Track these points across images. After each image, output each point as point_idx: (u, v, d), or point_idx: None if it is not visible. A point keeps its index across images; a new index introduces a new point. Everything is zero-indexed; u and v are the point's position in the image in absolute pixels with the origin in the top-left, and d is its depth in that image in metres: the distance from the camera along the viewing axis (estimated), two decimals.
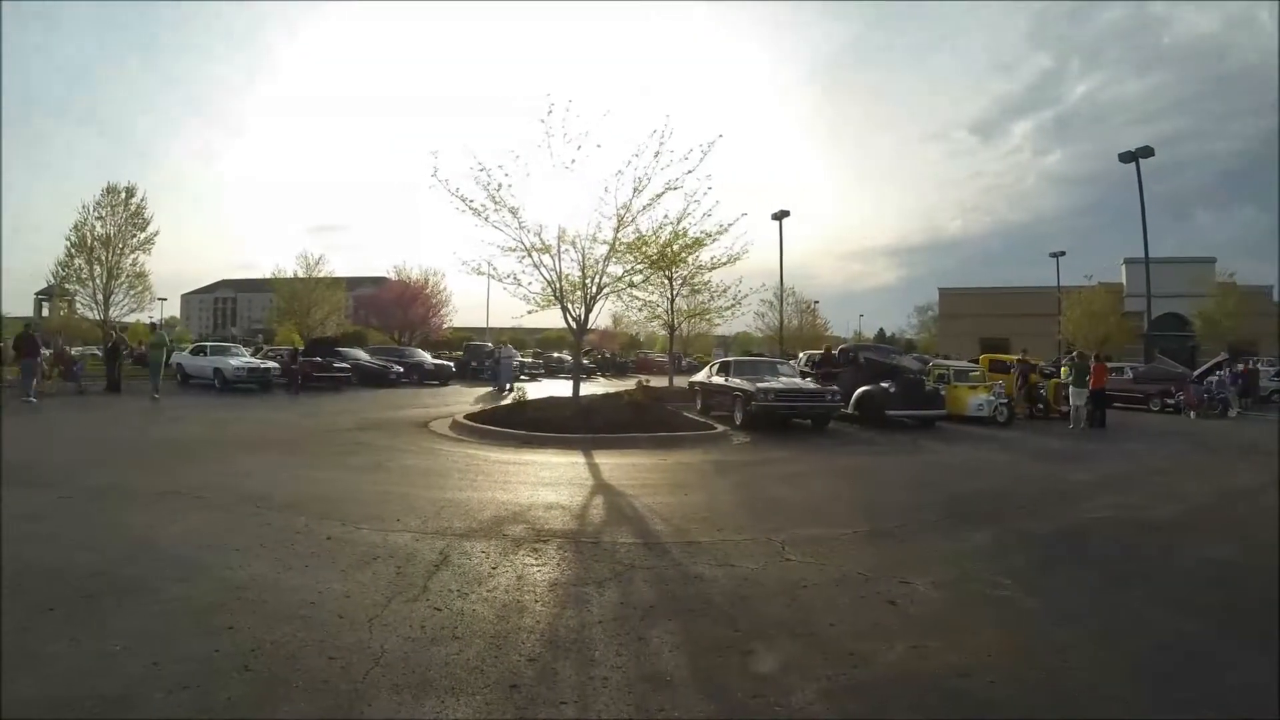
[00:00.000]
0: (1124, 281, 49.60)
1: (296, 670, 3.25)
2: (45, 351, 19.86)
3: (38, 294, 55.12)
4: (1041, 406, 18.77)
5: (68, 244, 31.95)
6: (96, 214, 32.00)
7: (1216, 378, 21.79)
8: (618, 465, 9.89)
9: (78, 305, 34.38)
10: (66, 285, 33.43)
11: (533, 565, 5.07)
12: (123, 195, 32.52)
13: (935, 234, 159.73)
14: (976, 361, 21.52)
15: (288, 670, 3.25)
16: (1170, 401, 21.72)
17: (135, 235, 32.71)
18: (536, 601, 4.35)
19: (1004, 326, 50.72)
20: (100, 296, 31.86)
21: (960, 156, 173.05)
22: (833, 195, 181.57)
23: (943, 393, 16.70)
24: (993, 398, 16.93)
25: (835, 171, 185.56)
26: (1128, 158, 29.60)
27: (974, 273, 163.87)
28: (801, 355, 24.62)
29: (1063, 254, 45.76)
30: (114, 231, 32.13)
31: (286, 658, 3.38)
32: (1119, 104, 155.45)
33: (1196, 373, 23.60)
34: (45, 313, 48.13)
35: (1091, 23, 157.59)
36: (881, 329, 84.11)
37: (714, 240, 15.87)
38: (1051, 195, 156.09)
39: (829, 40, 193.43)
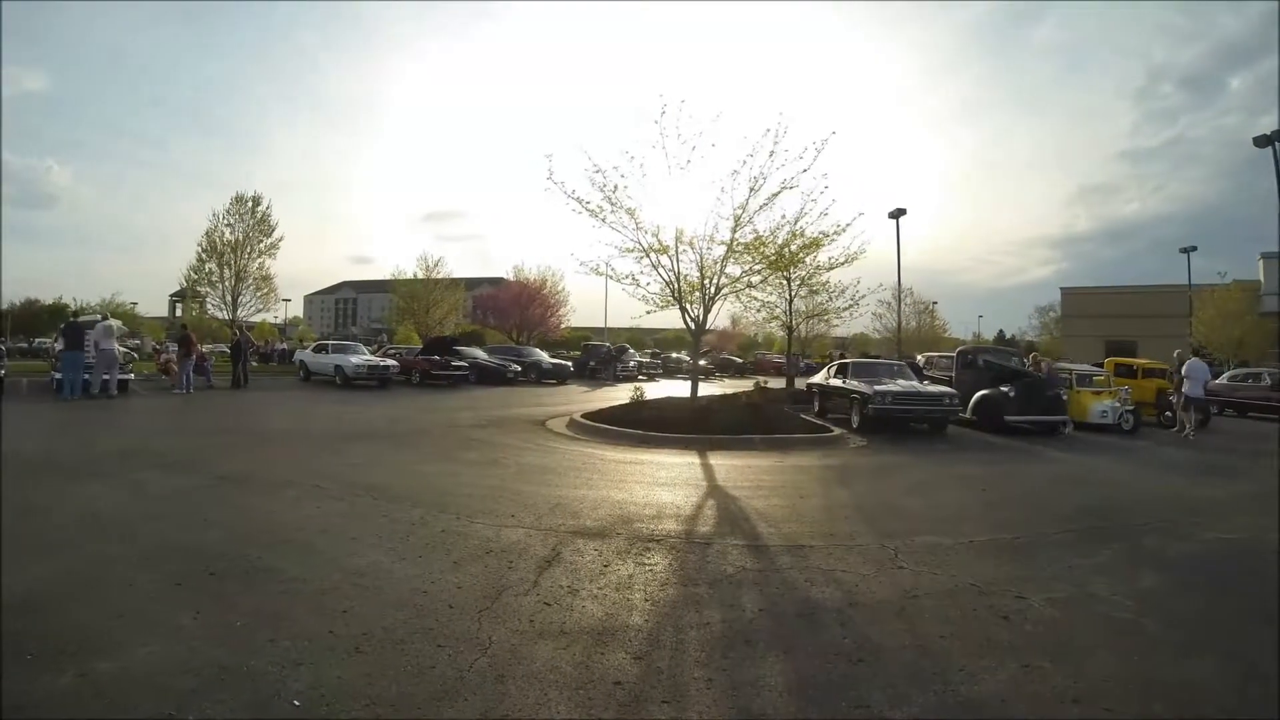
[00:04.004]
0: (1261, 278, 45.13)
1: (405, 655, 3.47)
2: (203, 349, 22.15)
3: (171, 296, 60.85)
4: (1170, 414, 18.06)
5: (199, 249, 35.39)
6: (226, 221, 35.43)
7: None
8: (733, 467, 9.97)
9: (208, 306, 37.85)
10: (198, 288, 36.84)
11: (644, 565, 5.17)
12: (250, 204, 35.79)
13: (1107, 220, 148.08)
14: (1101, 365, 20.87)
15: (397, 655, 3.47)
16: None
17: (261, 240, 35.95)
18: (646, 601, 4.44)
19: (1131, 328, 48.87)
20: (229, 298, 35.17)
21: (1158, 120, 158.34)
22: (981, 182, 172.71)
23: (1065, 398, 16.24)
24: (1118, 404, 16.50)
25: (986, 154, 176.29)
26: (1263, 142, 26.37)
27: (1144, 264, 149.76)
28: (920, 358, 23.86)
29: (1194, 249, 41.86)
30: (241, 237, 35.39)
31: (396, 643, 3.61)
32: None
33: None
34: (179, 313, 53.27)
35: None
36: (1001, 330, 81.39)
37: (831, 240, 15.97)
38: (1260, 169, 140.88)
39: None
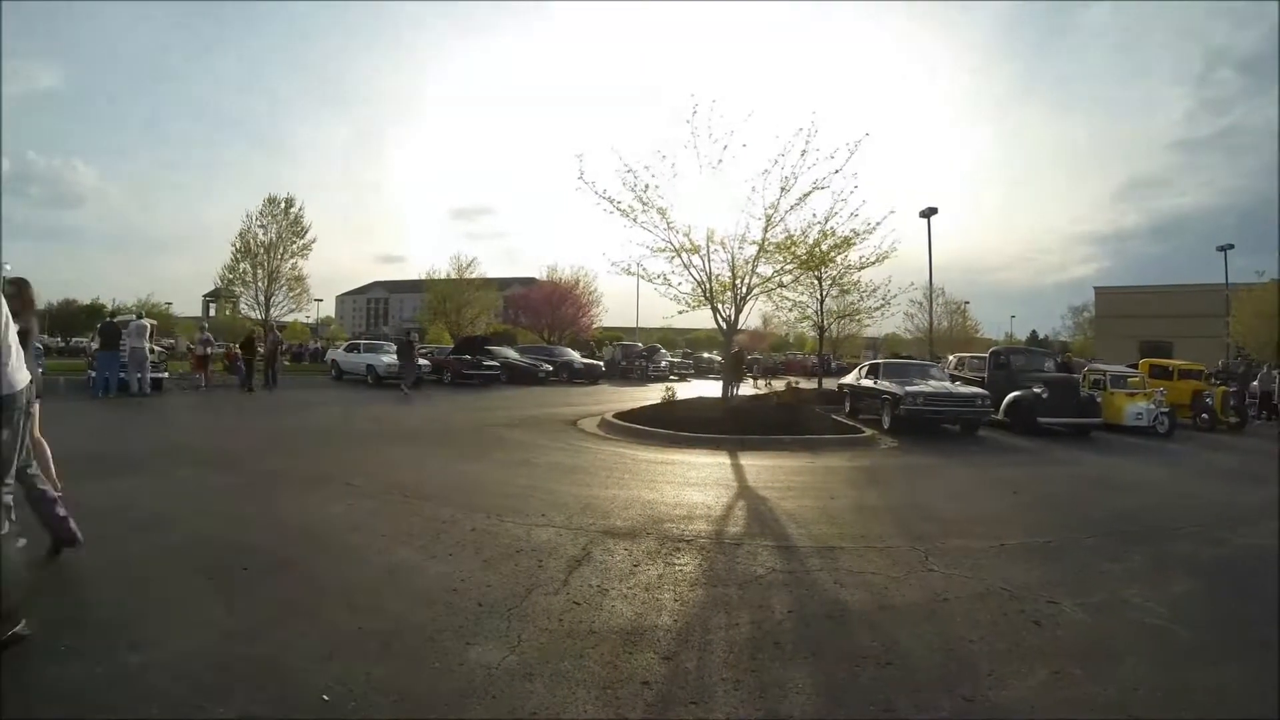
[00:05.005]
0: None
1: (434, 652, 3.53)
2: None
3: (205, 296, 62.10)
4: (1206, 416, 18.02)
5: (233, 249, 36.17)
6: (259, 222, 36.19)
7: None
8: (764, 467, 10.01)
9: (241, 306, 38.66)
10: (233, 288, 37.68)
11: (673, 565, 5.20)
12: (283, 205, 36.57)
13: (1153, 215, 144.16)
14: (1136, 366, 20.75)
15: (426, 651, 3.54)
16: None
17: (294, 242, 36.73)
18: (675, 601, 4.47)
19: (1166, 328, 48.59)
20: (262, 298, 35.88)
21: (1212, 108, 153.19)
22: (1022, 176, 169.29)
23: (1098, 400, 16.16)
24: (1153, 406, 16.33)
25: (1027, 147, 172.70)
26: None
27: (1189, 261, 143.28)
28: (951, 359, 23.64)
29: (1230, 247, 40.55)
30: (274, 238, 36.13)
31: (426, 639, 3.67)
32: None
33: None
34: (212, 312, 54.45)
35: None
36: (1034, 331, 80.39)
37: (863, 239, 16.04)
38: None
39: None
